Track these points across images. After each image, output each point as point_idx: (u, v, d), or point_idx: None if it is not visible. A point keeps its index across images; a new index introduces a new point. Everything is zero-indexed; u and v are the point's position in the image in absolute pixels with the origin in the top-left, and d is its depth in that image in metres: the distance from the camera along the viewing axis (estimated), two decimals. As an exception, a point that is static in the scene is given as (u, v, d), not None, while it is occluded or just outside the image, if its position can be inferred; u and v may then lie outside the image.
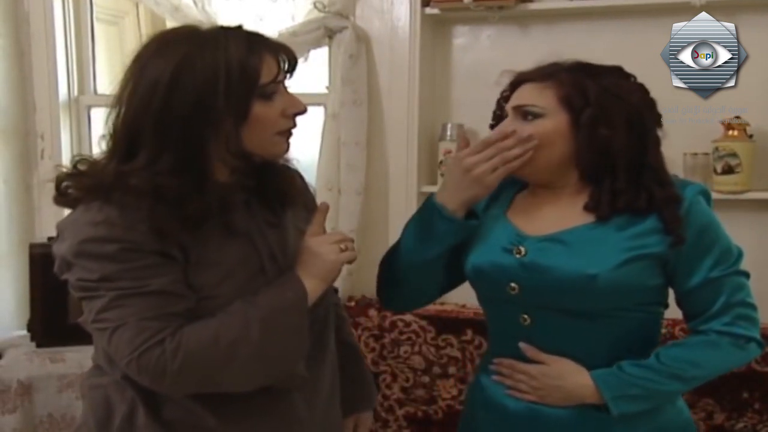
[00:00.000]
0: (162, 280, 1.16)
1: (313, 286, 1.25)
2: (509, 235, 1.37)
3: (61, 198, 1.25)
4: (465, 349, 2.34)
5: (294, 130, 1.29)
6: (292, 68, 1.28)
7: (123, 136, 1.20)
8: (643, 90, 1.36)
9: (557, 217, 1.35)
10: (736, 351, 1.32)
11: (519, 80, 1.38)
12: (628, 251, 1.28)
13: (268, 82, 1.21)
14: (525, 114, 1.34)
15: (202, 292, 1.20)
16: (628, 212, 1.30)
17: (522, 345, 1.35)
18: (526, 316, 1.34)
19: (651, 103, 1.35)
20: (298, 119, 1.29)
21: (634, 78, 1.37)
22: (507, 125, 1.35)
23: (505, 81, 1.41)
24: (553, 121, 1.32)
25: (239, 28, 1.25)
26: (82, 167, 1.25)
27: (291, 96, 1.27)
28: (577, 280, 1.28)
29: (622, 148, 1.30)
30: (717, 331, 1.31)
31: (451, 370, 2.37)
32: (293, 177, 1.39)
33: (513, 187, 1.46)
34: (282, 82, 1.26)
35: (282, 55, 1.25)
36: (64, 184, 1.24)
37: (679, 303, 1.37)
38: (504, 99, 1.42)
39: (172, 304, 1.16)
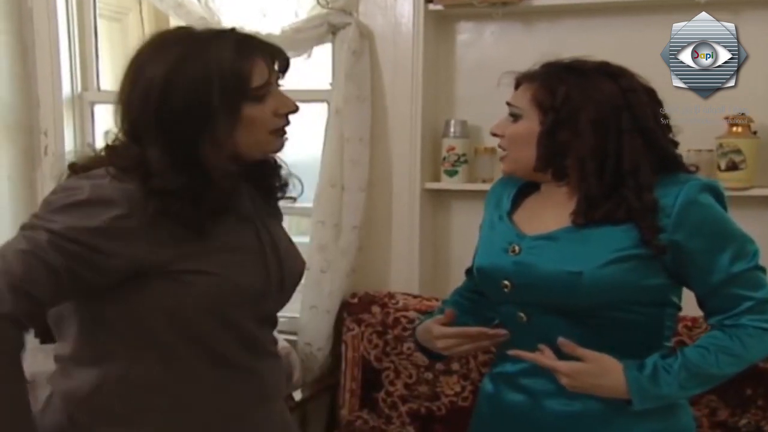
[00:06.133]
0: (64, 260, 1.10)
1: None
2: (509, 236, 1.39)
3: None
4: (468, 346, 2.34)
5: (288, 128, 1.29)
6: (284, 69, 1.29)
7: (127, 134, 1.23)
8: (628, 89, 1.30)
9: (555, 217, 1.35)
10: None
11: (518, 80, 1.40)
12: (616, 251, 1.27)
13: (259, 85, 1.22)
14: (511, 114, 1.37)
15: (210, 273, 1.20)
16: (608, 223, 1.28)
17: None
18: (522, 314, 1.35)
19: (632, 103, 1.29)
20: (296, 117, 1.29)
21: (625, 75, 1.32)
22: (497, 125, 1.39)
23: (507, 81, 1.41)
24: (527, 123, 1.34)
25: (232, 30, 1.26)
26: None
27: (282, 96, 1.27)
28: (562, 277, 1.28)
29: (587, 152, 1.28)
30: (752, 326, 1.26)
31: (455, 366, 2.37)
32: (280, 170, 1.40)
33: (512, 188, 1.46)
34: (274, 83, 1.26)
35: (274, 56, 1.26)
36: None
37: (700, 302, 1.33)
38: None
39: (40, 284, 1.09)
